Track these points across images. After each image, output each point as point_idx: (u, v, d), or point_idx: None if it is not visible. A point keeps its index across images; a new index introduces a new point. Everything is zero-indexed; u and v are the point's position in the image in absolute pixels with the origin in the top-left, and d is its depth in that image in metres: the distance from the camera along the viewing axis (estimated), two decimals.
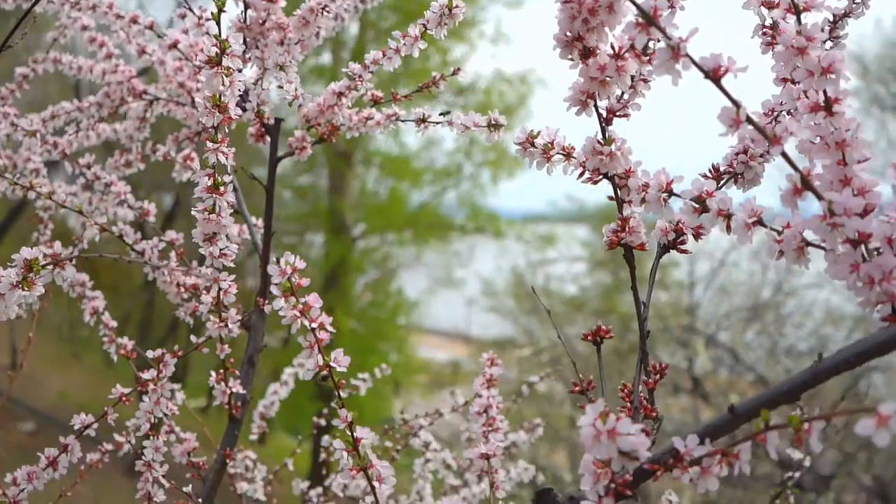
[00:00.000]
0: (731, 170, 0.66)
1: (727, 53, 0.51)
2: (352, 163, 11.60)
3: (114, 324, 1.08)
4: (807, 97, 0.55)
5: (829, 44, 0.70)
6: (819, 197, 0.50)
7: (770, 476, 6.37)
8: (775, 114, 0.67)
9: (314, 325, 0.61)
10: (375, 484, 0.63)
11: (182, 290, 1.00)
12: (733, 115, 0.49)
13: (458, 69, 0.96)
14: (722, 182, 0.67)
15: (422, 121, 0.94)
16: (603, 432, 0.48)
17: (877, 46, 9.14)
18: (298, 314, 0.60)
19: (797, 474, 1.12)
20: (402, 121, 0.95)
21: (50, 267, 0.66)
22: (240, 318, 0.89)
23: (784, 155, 0.50)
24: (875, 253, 0.51)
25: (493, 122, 0.82)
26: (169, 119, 1.23)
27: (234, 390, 0.95)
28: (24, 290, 0.66)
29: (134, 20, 1.07)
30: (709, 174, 0.67)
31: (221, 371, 0.93)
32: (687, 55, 0.49)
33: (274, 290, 0.60)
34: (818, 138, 0.53)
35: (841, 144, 0.51)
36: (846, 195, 0.49)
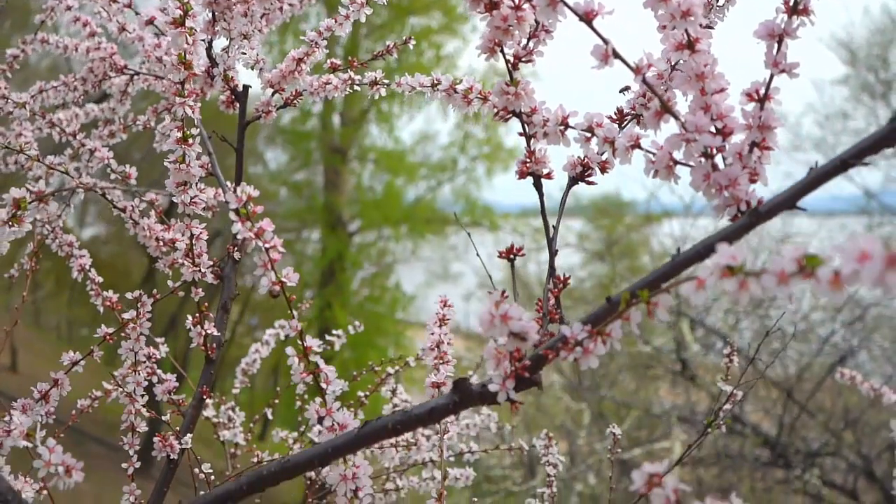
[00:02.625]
0: (633, 111, 0.76)
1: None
2: (347, 159, 11.69)
3: (100, 279, 1.17)
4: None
5: (721, 1, 0.80)
6: (676, 118, 0.59)
7: (758, 458, 6.48)
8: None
9: (267, 245, 0.70)
10: (323, 385, 0.73)
11: (161, 244, 1.09)
12: (603, 50, 0.59)
13: (409, 38, 1.05)
14: (626, 122, 0.76)
15: (374, 83, 1.03)
16: (497, 316, 0.58)
17: (865, 34, 9.22)
18: (254, 236, 0.70)
19: (728, 406, 1.21)
20: (358, 84, 1.05)
21: (35, 203, 0.75)
22: (212, 263, 0.98)
23: (645, 83, 0.59)
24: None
25: (435, 82, 0.92)
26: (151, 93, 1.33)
27: (209, 332, 1.04)
28: (13, 226, 0.75)
29: None
30: (614, 115, 0.76)
31: (197, 315, 1.03)
32: (563, 1, 0.58)
33: (232, 215, 0.69)
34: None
35: (700, 77, 0.61)
36: (698, 116, 0.59)
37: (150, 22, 1.12)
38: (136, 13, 1.15)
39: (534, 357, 0.62)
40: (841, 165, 0.54)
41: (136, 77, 1.27)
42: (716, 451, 6.12)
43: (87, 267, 1.19)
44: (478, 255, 1.04)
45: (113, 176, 1.16)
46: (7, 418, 0.73)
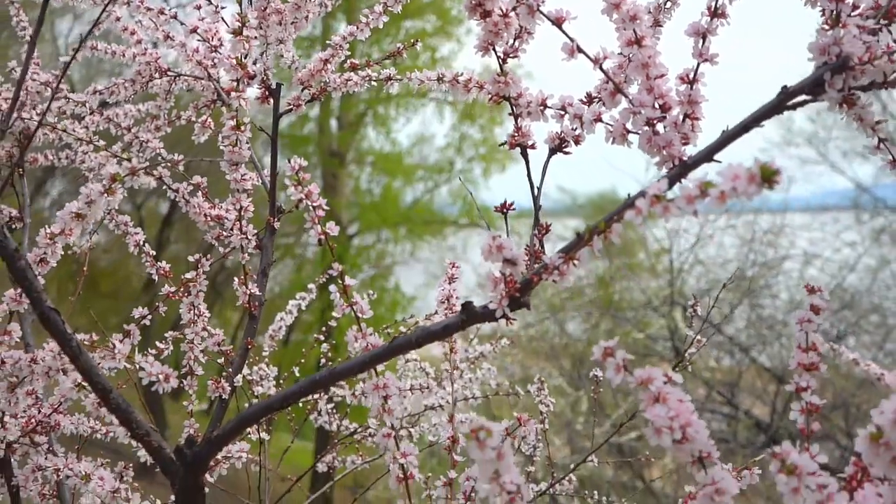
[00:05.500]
0: (598, 94, 0.95)
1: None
2: (345, 162, 11.89)
3: (153, 252, 1.36)
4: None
5: (669, 3, 0.99)
6: (626, 96, 0.79)
7: (753, 442, 6.69)
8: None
9: (315, 204, 0.89)
10: (359, 314, 0.92)
11: (208, 219, 1.28)
12: (570, 47, 0.78)
13: (416, 41, 1.25)
14: (594, 102, 0.95)
15: (388, 79, 1.23)
16: (494, 246, 0.77)
17: None
18: (304, 197, 0.89)
19: (693, 350, 1.41)
20: (375, 80, 1.24)
21: (129, 176, 0.94)
22: (256, 231, 1.18)
23: (602, 70, 0.79)
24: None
25: (440, 76, 1.11)
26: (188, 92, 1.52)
27: (252, 292, 1.23)
28: (109, 196, 0.94)
29: (161, 11, 1.36)
30: (584, 98, 0.95)
31: (243, 276, 1.22)
32: (539, 10, 0.78)
33: (287, 181, 0.88)
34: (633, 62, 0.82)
35: (645, 66, 0.80)
36: (643, 95, 0.78)
37: (194, 31, 1.31)
38: (182, 24, 1.35)
39: (523, 281, 0.81)
40: (743, 129, 0.73)
41: (177, 78, 1.47)
42: (710, 434, 6.30)
43: (142, 242, 1.38)
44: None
45: (163, 164, 1.35)
46: (111, 346, 0.92)
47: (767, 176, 0.56)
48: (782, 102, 0.73)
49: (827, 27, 0.72)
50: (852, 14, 0.74)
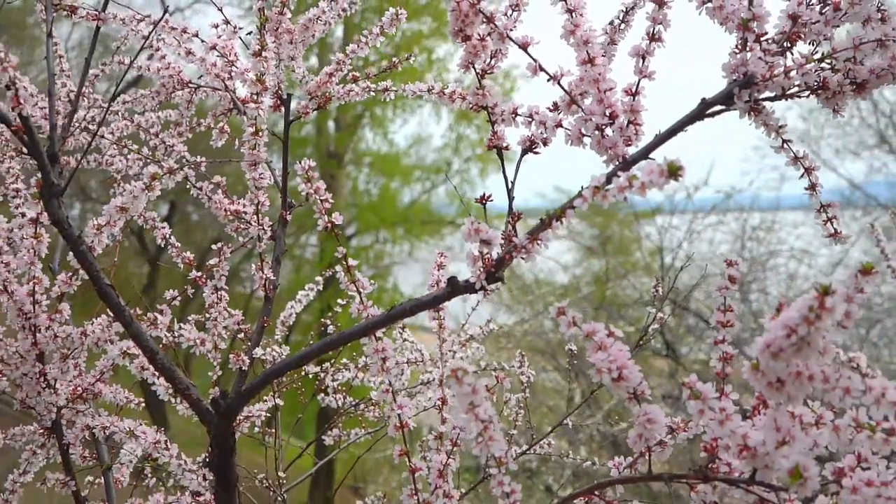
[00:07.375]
0: (560, 105, 1.12)
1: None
2: (342, 163, 12.06)
3: (178, 245, 1.53)
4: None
5: (622, 25, 1.17)
6: (579, 106, 0.96)
7: None
8: None
9: (322, 198, 1.07)
10: (361, 290, 1.09)
11: (227, 213, 1.46)
12: (533, 66, 0.96)
13: (409, 56, 1.42)
14: (559, 112, 1.13)
15: (386, 90, 1.40)
16: (473, 230, 0.95)
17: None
18: (313, 192, 1.07)
19: (656, 327, 1.58)
20: (374, 91, 1.41)
21: (167, 175, 1.12)
22: (271, 223, 1.35)
23: (560, 85, 0.96)
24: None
25: (431, 87, 1.28)
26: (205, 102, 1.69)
27: (268, 277, 1.41)
28: (148, 192, 1.11)
29: (184, 30, 1.53)
30: (551, 107, 1.13)
31: (259, 263, 1.40)
32: (508, 36, 0.95)
33: (298, 179, 1.06)
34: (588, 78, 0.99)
35: (596, 81, 0.98)
36: (594, 105, 0.96)
37: (213, 47, 1.49)
38: (202, 41, 1.52)
39: (497, 259, 0.98)
40: (672, 132, 0.91)
41: (198, 90, 1.64)
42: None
43: (168, 236, 1.55)
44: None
45: (188, 165, 1.53)
46: (152, 317, 1.09)
47: (673, 171, 0.74)
48: (702, 111, 0.90)
49: (737, 51, 0.89)
50: (762, 38, 0.91)
